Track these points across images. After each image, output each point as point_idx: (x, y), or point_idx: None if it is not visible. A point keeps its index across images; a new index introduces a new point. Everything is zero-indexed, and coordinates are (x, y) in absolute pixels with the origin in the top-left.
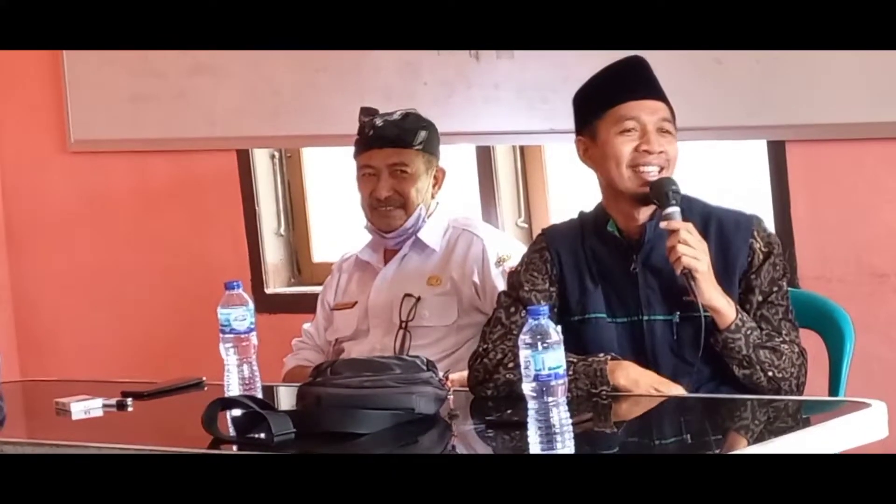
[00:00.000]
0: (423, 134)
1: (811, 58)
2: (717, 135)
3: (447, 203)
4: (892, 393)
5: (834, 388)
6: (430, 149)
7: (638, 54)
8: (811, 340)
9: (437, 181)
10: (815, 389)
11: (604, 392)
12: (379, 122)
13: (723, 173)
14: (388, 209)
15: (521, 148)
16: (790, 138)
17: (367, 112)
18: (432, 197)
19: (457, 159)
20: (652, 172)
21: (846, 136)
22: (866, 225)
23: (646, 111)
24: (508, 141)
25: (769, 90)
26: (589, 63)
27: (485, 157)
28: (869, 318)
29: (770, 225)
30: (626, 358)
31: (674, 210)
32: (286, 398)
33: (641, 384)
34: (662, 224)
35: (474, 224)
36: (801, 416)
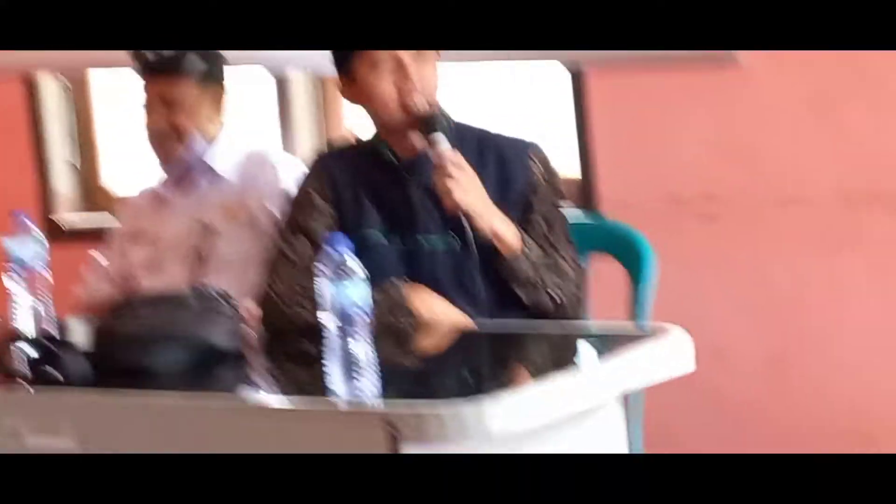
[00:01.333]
0: (195, 61)
1: None
2: (521, 55)
3: (244, 134)
4: (692, 321)
5: (636, 315)
6: (206, 74)
7: None
8: (612, 267)
9: (217, 107)
10: (618, 318)
11: (407, 322)
12: (151, 54)
13: (526, 100)
14: (164, 140)
15: (320, 77)
16: (588, 65)
17: None
18: (212, 123)
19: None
20: (417, 104)
21: (645, 63)
22: (667, 152)
23: None
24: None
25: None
26: None
27: (282, 86)
28: (668, 244)
29: (574, 151)
30: (404, 282)
31: (439, 140)
32: (78, 332)
33: (438, 313)
34: (434, 156)
35: (270, 154)
36: (607, 345)
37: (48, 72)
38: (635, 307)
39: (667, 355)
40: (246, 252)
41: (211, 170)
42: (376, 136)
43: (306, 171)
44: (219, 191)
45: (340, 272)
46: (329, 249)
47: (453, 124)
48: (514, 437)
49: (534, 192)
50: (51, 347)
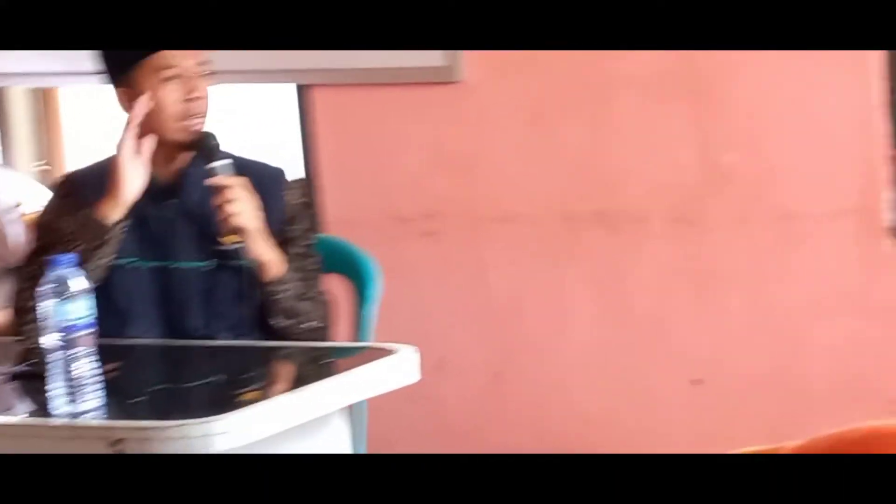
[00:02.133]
0: None
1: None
2: (244, 78)
3: None
4: (416, 335)
5: (361, 332)
6: None
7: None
8: (338, 285)
9: None
10: (343, 334)
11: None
12: None
13: (255, 116)
14: None
15: (38, 90)
16: (315, 82)
17: None
18: None
19: None
20: (197, 122)
21: (370, 80)
22: (390, 170)
23: (182, 57)
24: (23, 82)
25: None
26: None
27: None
28: (392, 261)
29: (300, 168)
30: (154, 306)
31: (221, 165)
32: None
33: None
34: (211, 180)
35: None
36: (329, 363)
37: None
38: (361, 322)
39: (392, 370)
40: None
41: None
42: None
43: (56, 191)
44: None
45: (62, 292)
46: (52, 269)
47: (217, 142)
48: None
49: (290, 222)
50: None
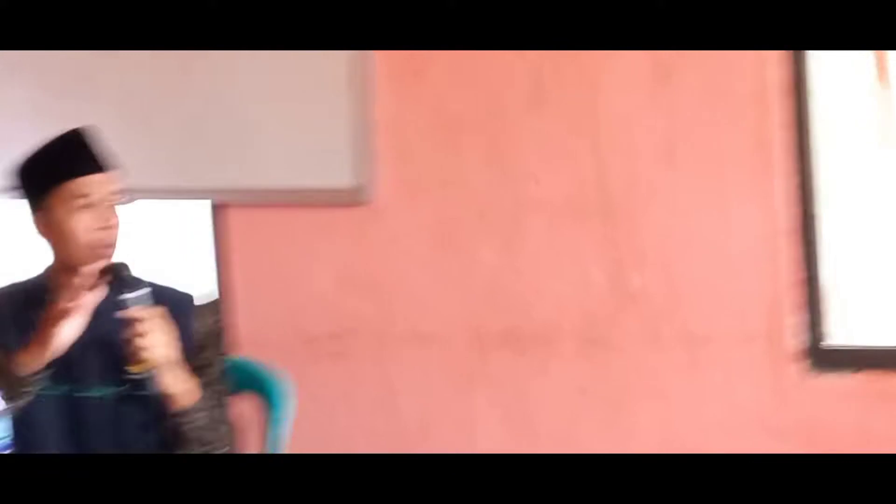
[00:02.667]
0: None
1: (244, 120)
2: (155, 195)
3: None
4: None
5: (272, 448)
6: None
7: (83, 126)
8: (249, 404)
9: None
10: (253, 450)
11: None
12: None
13: (168, 234)
14: None
15: None
16: (226, 201)
17: None
18: None
19: None
20: (108, 250)
21: (279, 201)
22: (299, 290)
23: (98, 185)
24: None
25: (202, 152)
26: (12, 120)
27: None
28: (301, 381)
29: (212, 288)
30: (62, 433)
31: (131, 296)
32: None
33: None
34: (122, 313)
35: None
36: None
37: None
38: (272, 442)
39: None
40: None
41: None
42: (45, 277)
43: None
44: None
45: None
46: None
47: (130, 273)
48: None
49: (201, 349)
50: None
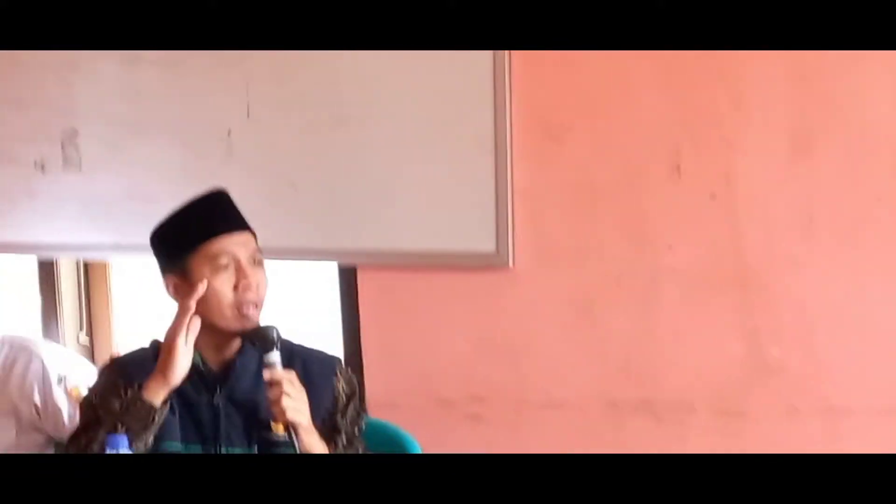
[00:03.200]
0: None
1: (383, 183)
2: (290, 256)
3: (5, 315)
4: None
5: None
6: None
7: (221, 188)
8: None
9: None
10: None
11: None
12: None
13: (299, 297)
14: None
15: (86, 262)
16: (361, 263)
17: None
18: None
19: (18, 271)
20: (251, 309)
21: (417, 263)
22: (435, 353)
23: (238, 245)
24: (72, 254)
25: (341, 215)
26: (157, 179)
27: (47, 271)
28: (435, 445)
29: (340, 349)
30: None
31: (276, 358)
32: None
33: None
34: (266, 375)
35: (32, 342)
36: None
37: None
38: None
39: None
40: (6, 440)
41: None
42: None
43: (100, 374)
44: None
45: None
46: (109, 449)
47: (277, 335)
48: None
49: (338, 411)
50: None
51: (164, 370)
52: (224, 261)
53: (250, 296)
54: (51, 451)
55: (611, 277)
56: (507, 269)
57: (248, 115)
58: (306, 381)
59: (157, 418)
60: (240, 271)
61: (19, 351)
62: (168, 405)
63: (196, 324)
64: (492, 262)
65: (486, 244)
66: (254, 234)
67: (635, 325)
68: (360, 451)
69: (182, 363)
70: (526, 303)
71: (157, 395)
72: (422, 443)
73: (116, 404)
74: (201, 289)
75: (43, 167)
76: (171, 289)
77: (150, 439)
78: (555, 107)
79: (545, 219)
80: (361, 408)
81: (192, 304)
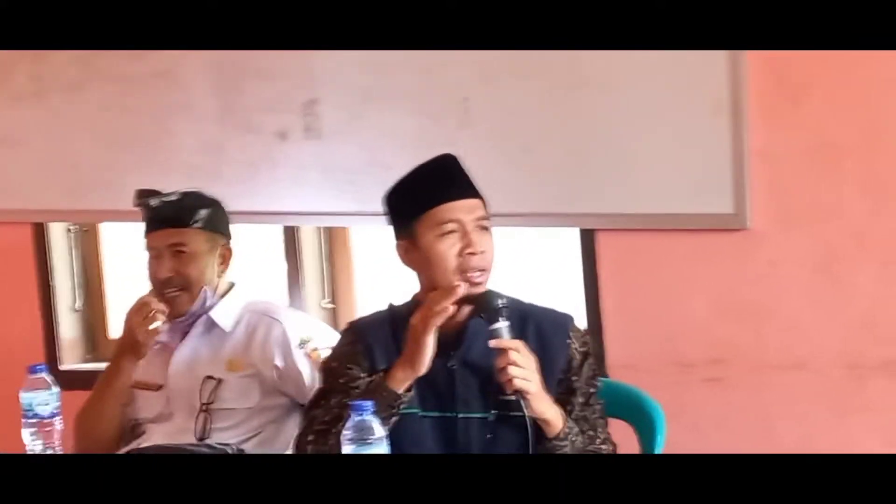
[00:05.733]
0: (202, 212)
1: (621, 147)
2: (527, 221)
3: (250, 282)
4: None
5: None
6: (213, 227)
7: (449, 153)
8: (621, 430)
9: (225, 259)
10: None
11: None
12: (155, 202)
13: (535, 260)
14: (171, 292)
15: (328, 229)
16: (600, 227)
17: (142, 194)
18: (219, 276)
19: (263, 239)
20: (477, 275)
21: (656, 226)
22: (674, 315)
23: (464, 211)
24: (314, 222)
25: (579, 178)
26: (394, 147)
27: (290, 238)
28: (675, 407)
29: (581, 312)
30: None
31: (502, 326)
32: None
33: None
34: (492, 343)
35: (273, 308)
36: None
37: (58, 221)
38: None
39: None
40: (250, 403)
41: (215, 324)
42: (417, 303)
43: (339, 338)
44: (224, 345)
45: (364, 438)
46: (354, 414)
47: (504, 300)
48: None
49: (573, 371)
50: None
51: (412, 361)
52: (450, 227)
53: (475, 261)
54: (295, 414)
55: (851, 236)
56: (746, 231)
57: (484, 81)
58: (539, 341)
59: (401, 406)
60: (465, 237)
61: (261, 318)
62: (411, 391)
63: (442, 319)
64: (730, 224)
65: (725, 206)
66: (483, 200)
67: (877, 285)
68: (598, 411)
69: (430, 354)
70: (765, 264)
71: (402, 384)
72: (662, 404)
73: (358, 379)
74: (458, 292)
75: (284, 136)
76: (402, 252)
77: (393, 421)
78: (792, 67)
79: (783, 179)
80: (597, 366)
81: (448, 306)
